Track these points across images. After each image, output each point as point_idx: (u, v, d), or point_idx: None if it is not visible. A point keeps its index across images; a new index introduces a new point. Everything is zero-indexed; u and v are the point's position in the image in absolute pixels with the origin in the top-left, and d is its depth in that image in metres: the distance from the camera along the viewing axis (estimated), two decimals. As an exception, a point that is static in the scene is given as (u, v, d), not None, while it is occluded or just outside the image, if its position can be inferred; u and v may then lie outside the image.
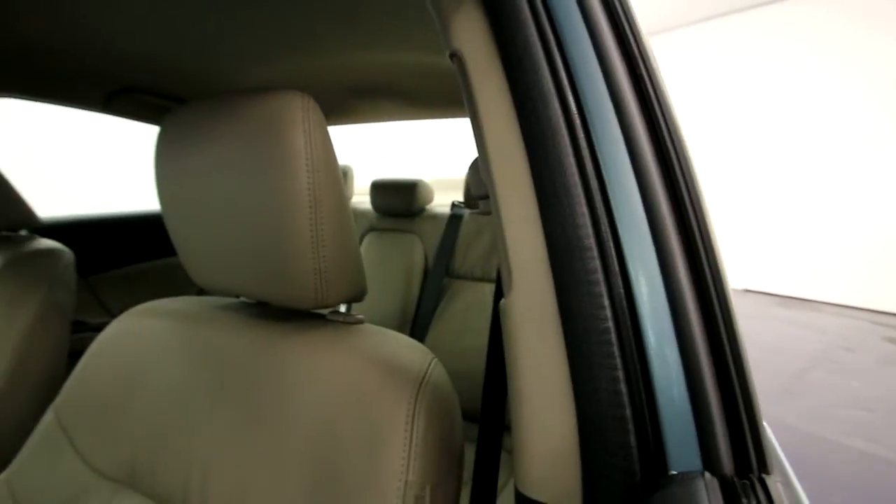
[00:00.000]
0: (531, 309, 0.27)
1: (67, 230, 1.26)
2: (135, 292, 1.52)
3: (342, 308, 0.51)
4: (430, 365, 0.43)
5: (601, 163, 0.27)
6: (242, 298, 0.58)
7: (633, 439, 0.24)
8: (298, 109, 0.40)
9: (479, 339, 1.21)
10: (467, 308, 1.30)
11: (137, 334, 0.54)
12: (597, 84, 0.28)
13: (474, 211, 1.42)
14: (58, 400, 0.54)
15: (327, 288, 0.43)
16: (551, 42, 0.28)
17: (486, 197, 0.36)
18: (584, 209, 0.26)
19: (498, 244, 0.31)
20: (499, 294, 0.46)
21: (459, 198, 1.51)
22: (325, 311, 0.52)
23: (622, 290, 0.25)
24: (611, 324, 0.25)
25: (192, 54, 1.09)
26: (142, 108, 1.30)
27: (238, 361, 0.47)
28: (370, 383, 0.40)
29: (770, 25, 3.95)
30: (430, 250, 1.43)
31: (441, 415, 0.39)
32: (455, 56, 0.32)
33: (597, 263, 0.26)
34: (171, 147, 0.47)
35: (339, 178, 0.43)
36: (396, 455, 0.36)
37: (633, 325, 0.25)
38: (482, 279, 1.32)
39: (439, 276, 1.34)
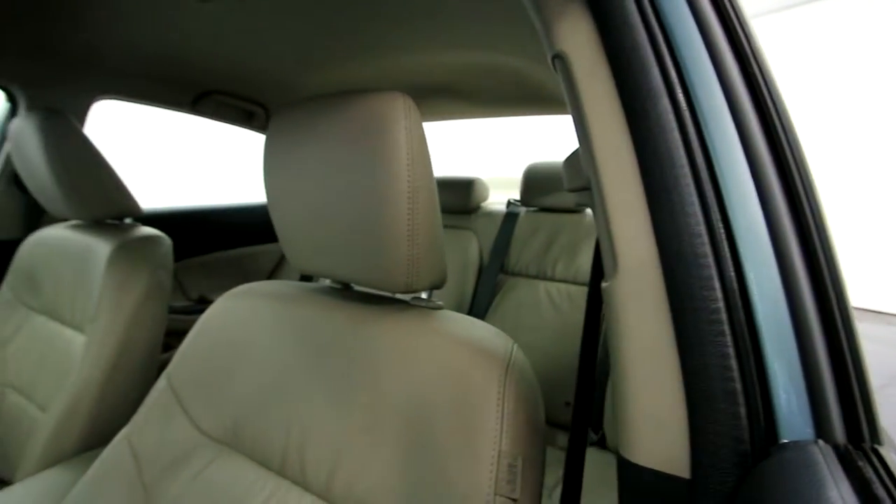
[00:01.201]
0: (638, 290, 0.29)
1: (159, 220, 1.39)
2: (209, 279, 1.65)
3: (423, 295, 0.55)
4: (513, 348, 0.46)
5: (712, 155, 0.28)
6: (328, 283, 0.62)
7: (742, 410, 0.26)
8: (400, 108, 0.43)
9: (533, 336, 1.24)
10: (521, 305, 1.31)
11: (238, 312, 0.60)
12: (708, 82, 0.29)
13: (531, 209, 1.43)
14: (169, 368, 0.61)
15: (418, 274, 0.47)
16: (660, 42, 0.30)
17: (581, 189, 0.38)
18: (694, 198, 0.28)
19: (600, 232, 0.33)
20: (597, 278, 0.48)
21: (515, 196, 1.52)
22: (406, 297, 0.56)
23: (733, 273, 0.27)
24: (721, 304, 0.27)
25: (268, 62, 1.18)
26: (223, 109, 1.41)
27: (332, 340, 0.52)
28: (461, 362, 0.43)
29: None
30: (486, 247, 1.45)
31: (527, 394, 0.42)
32: (558, 57, 0.34)
33: (707, 249, 0.27)
34: (278, 143, 0.52)
35: (432, 172, 0.46)
36: (489, 428, 0.39)
37: (745, 306, 0.27)
38: (537, 276, 1.33)
39: (494, 273, 1.36)
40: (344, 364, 0.50)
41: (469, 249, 1.47)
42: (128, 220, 0.97)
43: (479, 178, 1.55)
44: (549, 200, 1.37)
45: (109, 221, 0.97)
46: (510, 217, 1.41)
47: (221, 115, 1.45)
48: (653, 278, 0.29)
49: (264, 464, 0.52)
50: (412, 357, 0.46)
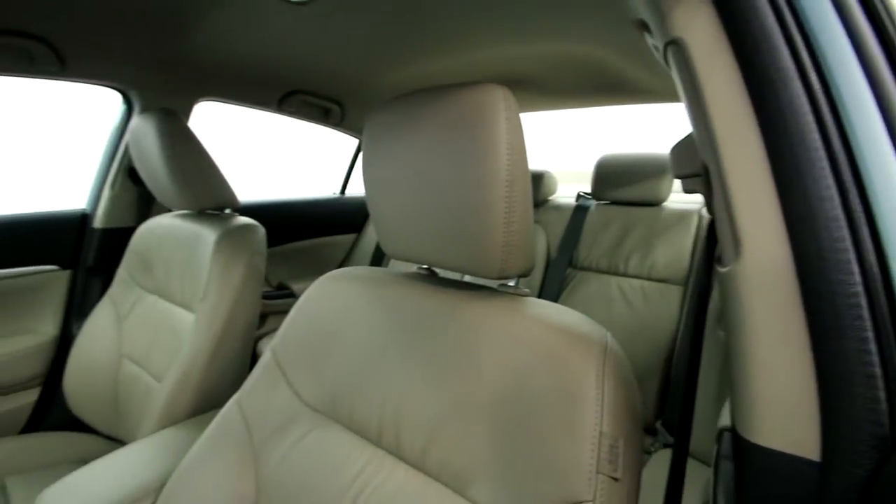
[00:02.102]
0: (765, 273, 0.29)
1: (248, 212, 1.51)
2: (288, 267, 1.77)
3: (510, 282, 0.56)
4: (607, 335, 0.46)
5: (851, 138, 0.27)
6: (417, 269, 0.65)
7: (882, 394, 0.25)
8: (500, 100, 0.45)
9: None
10: (591, 299, 1.29)
11: (335, 294, 0.65)
12: (847, 63, 0.28)
13: (602, 202, 1.40)
14: (274, 342, 0.67)
15: (511, 260, 0.48)
16: (790, 23, 0.29)
17: (691, 175, 0.38)
18: (830, 181, 0.27)
19: (718, 217, 0.33)
20: (707, 266, 0.47)
21: (583, 189, 1.49)
22: (492, 284, 0.57)
23: (874, 258, 0.26)
24: (860, 288, 0.26)
25: (347, 60, 1.24)
26: (304, 107, 1.50)
27: (424, 322, 0.55)
28: (557, 346, 0.44)
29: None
30: (553, 240, 1.44)
31: (625, 380, 0.42)
32: (673, 44, 0.34)
33: (844, 233, 0.27)
34: (377, 137, 0.55)
35: (527, 161, 0.47)
36: (589, 409, 0.40)
37: (887, 291, 0.26)
38: (608, 271, 1.30)
39: (562, 267, 1.35)
40: (437, 345, 0.52)
41: (536, 243, 1.47)
42: (227, 211, 1.06)
43: (547, 172, 1.53)
44: (623, 193, 1.33)
45: (210, 212, 1.07)
46: (580, 210, 1.39)
47: (302, 113, 1.55)
48: (781, 261, 0.28)
49: (361, 434, 0.56)
50: (506, 339, 0.48)
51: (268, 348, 0.67)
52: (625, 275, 1.28)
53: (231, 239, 0.93)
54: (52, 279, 1.25)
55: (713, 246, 0.43)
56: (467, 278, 0.63)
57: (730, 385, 0.33)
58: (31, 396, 1.21)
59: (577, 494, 0.38)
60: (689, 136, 0.41)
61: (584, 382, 0.41)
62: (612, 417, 0.40)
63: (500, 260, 0.48)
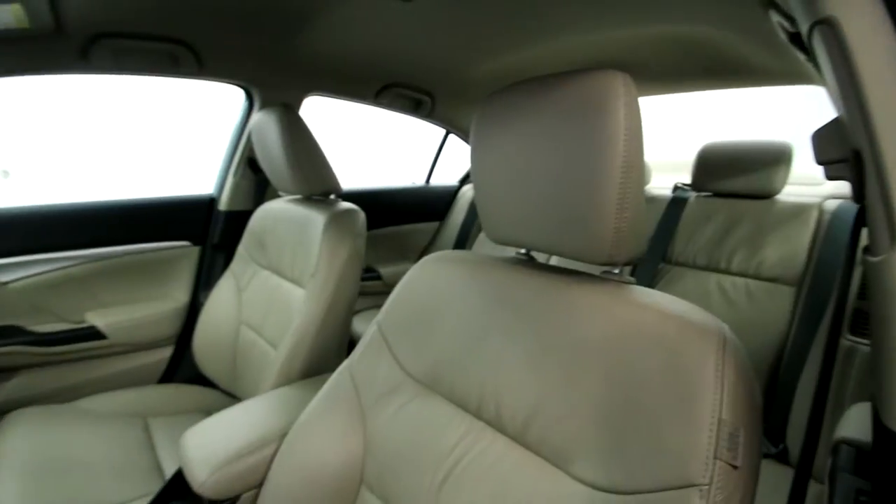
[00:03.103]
0: None
1: (347, 197, 1.62)
2: (375, 251, 1.89)
3: (615, 270, 0.56)
4: (724, 327, 0.45)
5: None
6: (516, 254, 0.68)
7: None
8: (620, 86, 0.45)
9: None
10: (685, 297, 1.20)
11: (438, 274, 0.69)
12: None
13: (703, 194, 1.31)
14: (379, 317, 0.73)
15: (621, 246, 0.49)
16: None
17: (836, 162, 0.36)
18: None
19: (872, 204, 0.31)
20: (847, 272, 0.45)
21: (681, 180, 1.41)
22: (595, 271, 0.58)
23: None
24: None
25: (441, 53, 1.28)
26: (398, 100, 1.58)
27: (526, 304, 0.57)
28: (670, 333, 0.44)
29: None
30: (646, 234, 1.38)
31: (746, 372, 0.41)
32: (824, 23, 0.32)
33: None
34: (488, 123, 0.58)
35: (643, 148, 0.47)
36: (707, 397, 0.40)
37: None
38: (707, 268, 1.22)
39: (654, 262, 1.29)
40: (539, 326, 0.54)
41: None
42: (331, 197, 1.16)
43: (641, 161, 1.47)
44: (729, 184, 1.24)
45: (316, 197, 1.17)
46: (677, 203, 1.32)
47: (395, 105, 1.63)
48: None
49: (461, 406, 0.59)
50: (613, 324, 0.49)
51: (373, 322, 0.73)
52: (727, 272, 1.19)
53: (338, 222, 1.02)
54: (185, 253, 1.45)
55: (857, 238, 0.40)
56: (566, 264, 0.64)
57: (872, 385, 0.31)
58: (166, 353, 1.42)
59: (692, 478, 0.38)
60: (833, 122, 0.38)
61: (701, 370, 0.41)
62: (732, 407, 0.39)
63: (610, 246, 0.48)
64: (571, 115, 0.48)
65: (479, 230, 1.91)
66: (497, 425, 0.55)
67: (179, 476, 0.76)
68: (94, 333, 1.26)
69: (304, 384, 0.93)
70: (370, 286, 1.82)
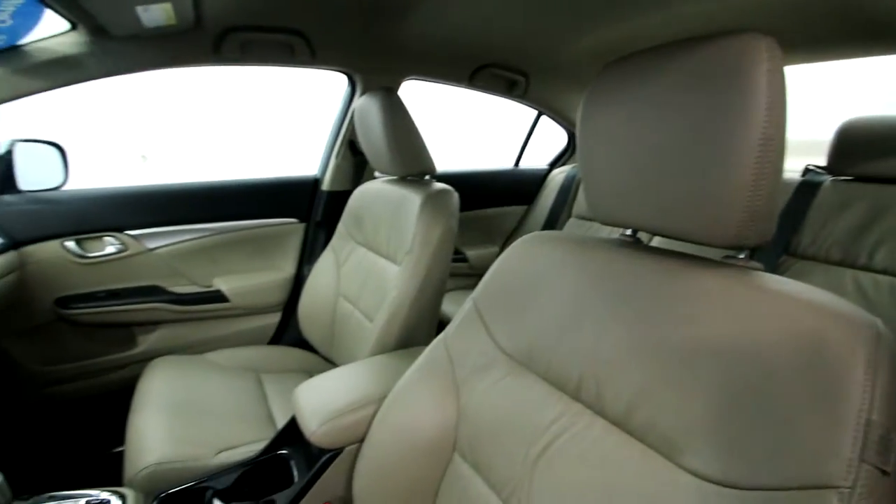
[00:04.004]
0: None
1: (440, 179, 1.66)
2: (462, 233, 1.90)
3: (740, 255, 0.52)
4: (877, 321, 0.40)
5: None
6: (621, 235, 0.65)
7: None
8: (762, 50, 0.41)
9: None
10: (813, 295, 1.08)
11: (535, 254, 0.68)
12: None
13: (841, 178, 1.14)
14: (474, 293, 0.74)
15: (752, 227, 0.44)
16: None
17: None
18: None
19: None
20: None
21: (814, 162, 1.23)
22: (714, 256, 0.54)
23: None
24: None
25: (535, 31, 1.25)
26: (492, 81, 1.57)
27: (634, 287, 0.54)
28: (809, 323, 0.40)
29: None
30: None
31: None
32: None
33: None
34: (601, 97, 0.55)
35: (786, 120, 0.42)
36: (855, 393, 0.36)
37: None
38: (842, 263, 1.07)
39: (776, 253, 1.15)
40: (649, 311, 0.52)
41: None
42: (426, 177, 1.19)
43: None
44: (876, 167, 1.06)
45: (411, 178, 1.21)
46: (807, 187, 1.16)
47: (489, 87, 1.62)
48: None
49: (557, 386, 0.59)
50: (738, 311, 0.45)
51: (469, 297, 0.75)
52: (867, 268, 1.03)
53: (433, 201, 1.05)
54: (292, 229, 1.59)
55: None
56: (673, 247, 0.60)
57: None
58: (275, 318, 1.58)
59: (830, 479, 0.34)
60: None
61: (849, 365, 0.37)
62: (885, 407, 0.35)
63: (738, 226, 0.44)
64: (702, 84, 0.44)
65: (569, 215, 1.85)
66: (596, 408, 0.54)
67: (292, 425, 0.85)
68: (219, 296, 1.44)
69: (399, 354, 0.98)
70: (456, 268, 1.86)
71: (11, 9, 0.98)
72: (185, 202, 1.43)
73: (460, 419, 0.67)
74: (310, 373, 1.24)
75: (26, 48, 1.04)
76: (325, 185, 1.57)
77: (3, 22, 1.00)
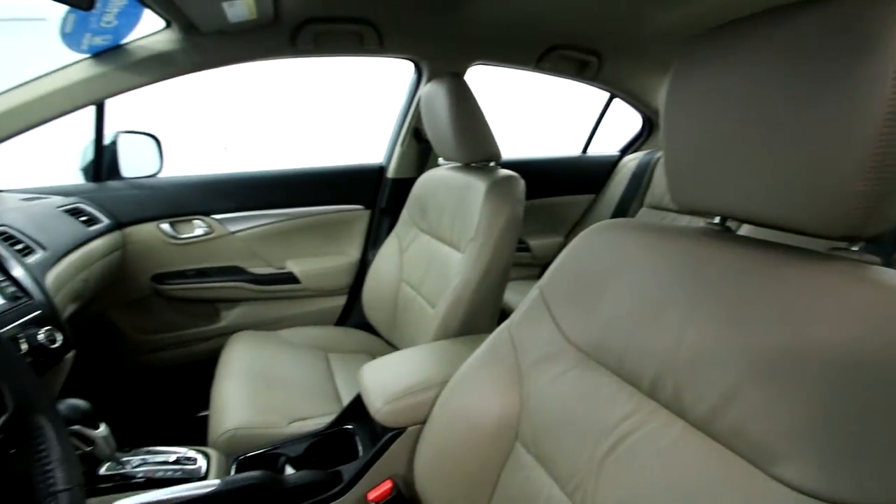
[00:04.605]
0: None
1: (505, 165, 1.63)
2: (525, 223, 1.87)
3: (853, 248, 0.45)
4: None
5: None
6: (706, 224, 0.60)
7: None
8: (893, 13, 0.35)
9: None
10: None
11: (608, 242, 0.65)
12: None
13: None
14: (541, 282, 0.72)
15: (873, 214, 0.39)
16: None
17: None
18: None
19: None
20: None
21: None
22: (819, 248, 0.48)
23: None
24: None
25: (607, 7, 1.17)
26: (562, 62, 1.50)
27: (723, 280, 0.50)
28: None
29: None
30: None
31: None
32: None
33: None
34: (688, 71, 0.51)
35: None
36: None
37: None
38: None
39: (890, 248, 1.01)
40: (741, 307, 0.47)
41: None
42: (491, 164, 1.17)
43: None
44: None
45: (476, 165, 1.20)
46: None
47: (558, 70, 1.56)
48: None
49: (630, 382, 0.56)
50: (855, 312, 0.39)
51: (535, 285, 0.73)
52: None
53: (499, 188, 1.03)
54: (357, 216, 1.64)
55: None
56: (764, 236, 0.54)
57: None
58: (341, 300, 1.64)
59: None
60: None
61: None
62: None
63: (853, 214, 0.39)
64: (818, 52, 0.39)
65: (641, 204, 1.75)
66: (674, 408, 0.51)
67: (357, 402, 0.89)
68: (291, 278, 1.53)
69: (461, 340, 0.99)
70: (518, 257, 1.82)
71: (116, 10, 1.08)
72: (262, 189, 1.53)
73: (523, 409, 0.66)
74: (372, 354, 1.29)
75: (128, 47, 1.15)
76: (390, 173, 1.60)
77: (108, 23, 1.11)
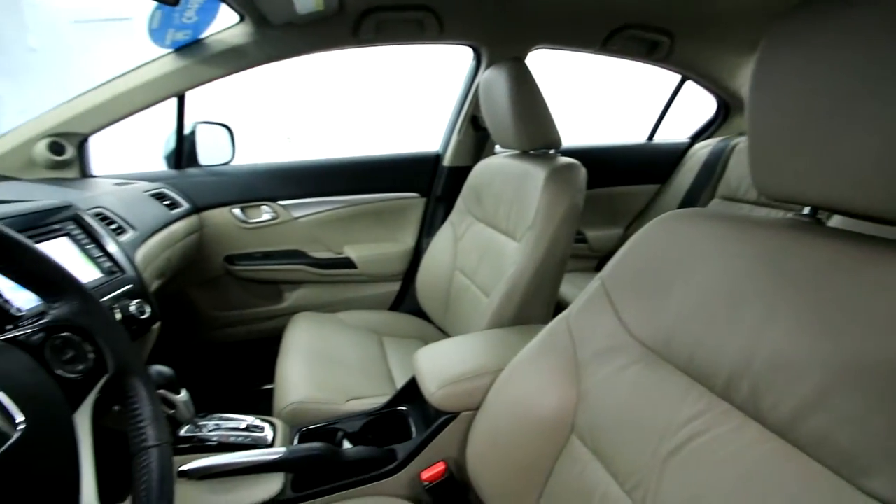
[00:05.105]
0: None
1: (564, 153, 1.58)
2: (582, 214, 1.81)
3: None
4: None
5: None
6: (794, 215, 0.54)
7: None
8: None
9: None
10: None
11: (680, 232, 0.61)
12: None
13: None
14: (603, 272, 0.69)
15: None
16: None
17: None
18: None
19: None
20: None
21: None
22: None
23: None
24: None
25: None
26: (630, 44, 1.43)
27: (815, 277, 0.45)
28: None
29: None
30: None
31: None
32: None
33: None
34: (782, 47, 0.46)
35: None
36: None
37: None
38: None
39: None
40: (831, 306, 0.43)
41: None
42: (551, 152, 1.14)
43: None
44: None
45: (534, 152, 1.17)
46: None
47: (626, 51, 1.48)
48: None
49: (700, 380, 0.52)
50: None
51: (596, 276, 0.70)
52: None
53: (558, 176, 1.00)
54: (413, 204, 1.66)
55: None
56: (861, 229, 0.48)
57: None
58: (395, 286, 1.68)
59: None
60: None
61: None
62: None
63: None
64: None
65: (713, 195, 1.63)
66: (750, 411, 0.47)
67: (412, 385, 0.90)
68: (348, 262, 1.58)
69: (515, 330, 0.98)
70: (575, 249, 1.77)
71: (196, 6, 1.15)
72: (323, 177, 1.58)
73: (580, 402, 0.64)
74: (425, 340, 1.31)
75: (205, 41, 1.22)
76: (447, 161, 1.61)
77: (189, 18, 1.18)
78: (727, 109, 1.83)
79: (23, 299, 0.64)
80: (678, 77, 1.73)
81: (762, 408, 0.46)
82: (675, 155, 1.84)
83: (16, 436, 0.35)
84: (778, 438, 0.44)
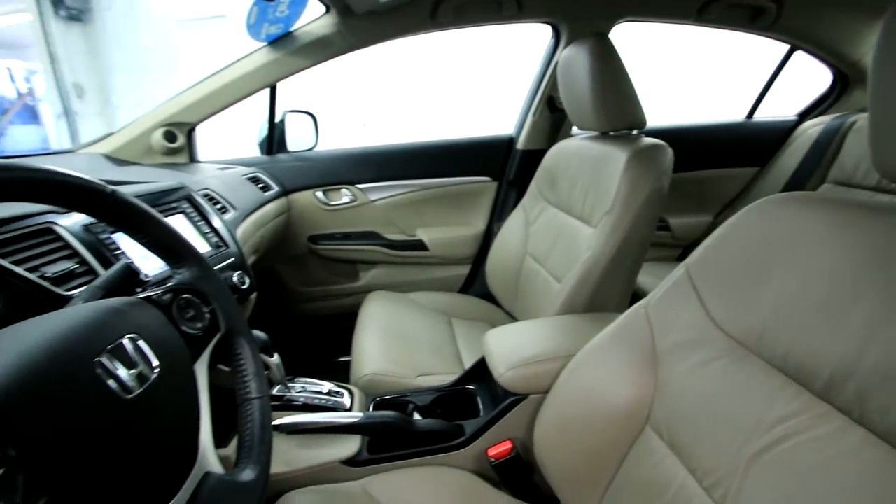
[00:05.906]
0: None
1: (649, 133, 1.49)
2: (673, 199, 1.69)
3: None
4: None
5: None
6: None
7: None
8: None
9: None
10: None
11: (781, 219, 0.56)
12: None
13: None
14: (689, 259, 0.65)
15: None
16: None
17: None
18: None
19: None
20: None
21: None
22: None
23: None
24: None
25: None
26: (732, 11, 1.30)
27: None
28: None
29: None
30: None
31: None
32: None
33: None
34: None
35: None
36: None
37: None
38: None
39: None
40: None
41: None
42: (634, 132, 1.08)
43: None
44: None
45: (615, 133, 1.11)
46: None
47: (724, 20, 1.35)
48: None
49: (797, 378, 0.48)
50: None
51: (681, 265, 0.66)
52: None
53: (641, 157, 0.95)
54: (485, 187, 1.66)
55: None
56: None
57: None
58: (465, 269, 1.71)
59: None
60: None
61: None
62: None
63: None
64: None
65: (823, 179, 1.45)
66: (854, 414, 0.43)
67: (480, 365, 0.92)
68: (420, 245, 1.63)
69: (588, 317, 0.96)
70: (656, 237, 1.67)
71: (288, 0, 1.23)
72: (397, 161, 1.64)
73: (657, 393, 0.62)
74: (493, 323, 1.32)
75: (295, 33, 1.30)
76: (521, 144, 1.58)
77: (282, 12, 1.27)
78: (844, 82, 1.60)
79: (148, 267, 0.75)
80: (785, 48, 1.54)
81: (868, 412, 0.42)
82: (778, 134, 1.65)
83: (153, 377, 0.41)
84: (884, 444, 0.40)
